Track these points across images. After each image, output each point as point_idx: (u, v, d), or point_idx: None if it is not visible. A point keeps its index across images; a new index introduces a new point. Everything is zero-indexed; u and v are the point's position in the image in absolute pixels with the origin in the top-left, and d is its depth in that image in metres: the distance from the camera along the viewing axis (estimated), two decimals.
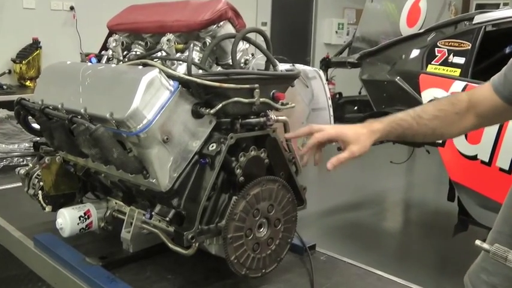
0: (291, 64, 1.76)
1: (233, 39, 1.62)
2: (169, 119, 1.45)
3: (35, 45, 6.42)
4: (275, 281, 1.72)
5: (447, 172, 3.82)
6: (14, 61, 6.36)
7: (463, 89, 3.56)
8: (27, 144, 2.92)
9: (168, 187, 1.50)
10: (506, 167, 3.25)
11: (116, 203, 1.89)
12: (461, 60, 3.80)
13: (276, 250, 1.64)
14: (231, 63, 1.65)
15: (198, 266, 1.77)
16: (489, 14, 3.85)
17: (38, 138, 2.10)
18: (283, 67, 1.71)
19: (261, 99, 1.56)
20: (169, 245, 1.57)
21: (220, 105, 1.49)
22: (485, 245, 1.22)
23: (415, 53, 4.23)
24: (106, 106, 1.47)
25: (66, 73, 1.82)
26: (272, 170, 1.67)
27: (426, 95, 3.87)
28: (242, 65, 1.72)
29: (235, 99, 1.50)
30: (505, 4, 8.69)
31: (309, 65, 1.92)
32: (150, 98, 1.41)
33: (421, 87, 3.95)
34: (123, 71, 1.59)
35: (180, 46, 1.71)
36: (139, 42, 1.85)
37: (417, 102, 3.94)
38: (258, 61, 1.73)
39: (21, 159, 2.87)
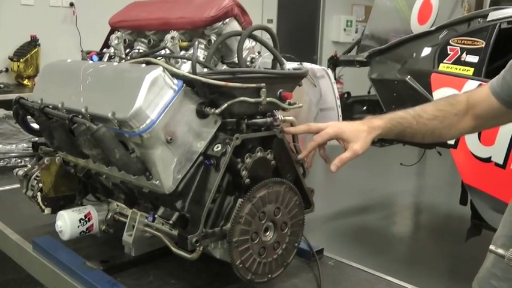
0: (299, 63, 1.77)
1: (239, 37, 1.62)
2: (173, 118, 1.45)
3: (33, 42, 6.45)
4: (281, 286, 1.72)
5: (459, 174, 3.82)
6: (11, 59, 6.39)
7: None
8: (25, 145, 2.94)
9: (171, 189, 1.50)
10: None
11: (117, 205, 1.90)
12: (474, 58, 3.79)
13: (282, 254, 1.64)
14: (236, 62, 1.65)
15: (202, 271, 1.77)
16: (504, 10, 3.83)
17: (37, 139, 2.11)
18: (290, 66, 1.72)
19: (268, 99, 1.56)
20: (173, 248, 1.58)
21: (226, 104, 1.49)
22: (500, 250, 1.23)
23: (426, 51, 4.22)
24: (108, 105, 1.48)
25: (66, 71, 1.83)
26: (279, 171, 1.67)
27: (438, 94, 3.87)
28: (248, 63, 1.72)
29: (241, 98, 1.51)
30: None
31: (317, 64, 1.92)
32: (154, 97, 1.42)
33: (432, 86, 3.94)
34: (126, 69, 1.60)
35: (185, 44, 1.72)
36: (142, 39, 1.85)
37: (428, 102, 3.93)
38: (265, 59, 1.73)
39: (20, 160, 2.88)
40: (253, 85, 1.53)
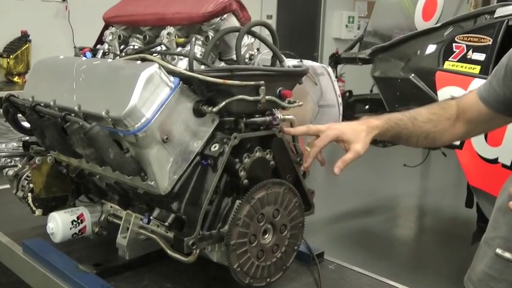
0: (299, 60, 1.77)
1: (237, 33, 1.63)
2: (169, 117, 1.46)
3: (24, 38, 6.45)
4: None
5: (465, 176, 3.82)
6: (1, 55, 6.39)
7: None
8: (15, 144, 2.94)
9: (167, 190, 1.51)
10: None
11: (111, 206, 1.90)
12: (481, 56, 3.80)
13: (281, 258, 1.65)
14: (235, 59, 1.66)
15: (199, 274, 1.78)
16: None
17: (28, 137, 2.11)
18: (290, 63, 1.72)
19: (267, 97, 1.57)
20: (169, 251, 1.58)
21: (224, 103, 1.49)
22: (507, 254, 1.24)
23: (431, 48, 4.23)
24: (102, 103, 1.48)
25: (59, 68, 1.83)
26: (278, 172, 1.68)
27: (443, 93, 3.87)
28: (247, 60, 1.72)
29: (240, 96, 1.52)
30: None
31: (317, 61, 1.93)
32: (149, 95, 1.42)
33: (437, 85, 3.95)
34: (120, 66, 1.60)
35: (181, 40, 1.72)
36: (138, 35, 1.86)
37: (433, 101, 3.92)
38: (264, 56, 1.74)
39: (10, 160, 2.89)
40: (252, 83, 1.54)
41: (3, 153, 2.90)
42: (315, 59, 10.16)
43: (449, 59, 3.99)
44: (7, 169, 2.07)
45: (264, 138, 1.64)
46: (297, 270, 1.84)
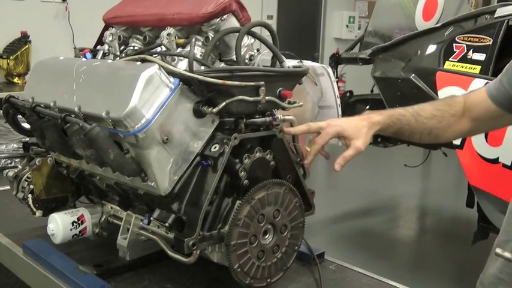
0: (299, 60, 1.78)
1: (237, 34, 1.63)
2: (169, 118, 1.46)
3: (24, 39, 6.44)
4: None
5: (466, 176, 3.82)
6: (0, 56, 6.38)
7: None
8: (15, 145, 2.94)
9: (167, 190, 1.51)
10: None
11: (111, 207, 1.91)
12: (481, 56, 3.80)
13: (282, 258, 1.65)
14: (235, 59, 1.66)
15: (199, 275, 1.78)
16: None
17: (28, 139, 2.11)
18: (290, 63, 1.73)
19: (267, 98, 1.57)
20: (169, 252, 1.58)
21: (224, 103, 1.50)
22: (507, 254, 1.24)
23: (431, 48, 4.22)
24: (102, 104, 1.49)
25: (59, 69, 1.84)
26: (278, 172, 1.68)
27: (443, 93, 3.87)
28: (247, 61, 1.73)
29: (240, 97, 1.52)
30: None
31: (318, 61, 1.94)
32: (149, 95, 1.42)
33: (437, 85, 3.95)
34: (120, 67, 1.60)
35: (181, 41, 1.73)
36: (138, 36, 1.86)
37: None
38: (264, 57, 1.75)
39: (10, 161, 2.89)
40: (252, 83, 1.54)
41: (3, 155, 2.91)
42: (315, 59, 10.15)
43: (450, 59, 3.99)
44: (7, 170, 2.07)
45: (264, 138, 1.64)
46: (297, 271, 1.85)
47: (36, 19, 6.65)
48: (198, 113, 1.52)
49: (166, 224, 1.52)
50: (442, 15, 4.90)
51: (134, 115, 1.41)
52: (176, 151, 1.50)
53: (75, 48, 1.96)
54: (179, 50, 1.72)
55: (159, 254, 1.70)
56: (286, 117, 1.69)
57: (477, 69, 3.77)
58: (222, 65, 1.73)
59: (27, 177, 1.99)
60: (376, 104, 5.12)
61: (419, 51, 4.33)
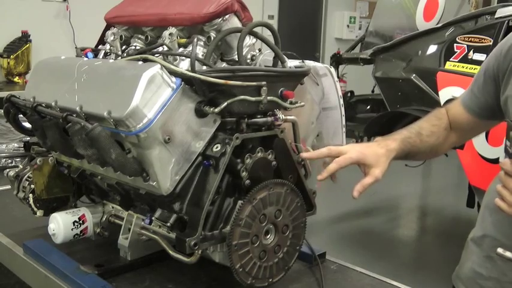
0: (301, 60, 1.77)
1: (239, 34, 1.63)
2: (171, 118, 1.46)
3: (24, 38, 6.45)
4: None
5: (466, 176, 3.83)
6: (1, 55, 6.39)
7: None
8: (16, 145, 2.94)
9: (169, 190, 1.51)
10: None
11: (112, 207, 1.90)
12: (482, 57, 3.80)
13: (283, 258, 1.65)
14: (236, 59, 1.66)
15: (201, 275, 1.78)
16: None
17: (29, 138, 2.12)
18: (292, 63, 1.73)
19: (269, 98, 1.57)
20: (170, 252, 1.58)
21: (225, 103, 1.50)
22: (508, 254, 1.25)
23: (432, 49, 4.24)
24: (103, 104, 1.49)
25: (60, 68, 1.84)
26: (280, 172, 1.68)
27: (444, 93, 3.88)
28: (249, 61, 1.73)
29: (241, 97, 1.52)
30: None
31: (319, 61, 1.93)
32: (151, 95, 1.42)
33: (438, 85, 3.96)
34: (122, 66, 1.60)
35: (183, 40, 1.73)
36: (139, 36, 1.86)
37: (434, 102, 3.95)
38: (266, 57, 1.74)
39: (10, 161, 2.89)
40: (254, 83, 1.54)
41: (4, 154, 2.91)
42: (316, 59, 10.14)
43: (451, 60, 4.00)
44: (8, 170, 2.07)
45: (265, 138, 1.64)
46: (299, 271, 1.84)
47: (37, 18, 6.65)
48: (200, 113, 1.51)
49: (168, 224, 1.52)
50: (443, 15, 4.91)
51: (136, 115, 1.41)
52: (178, 151, 1.50)
53: (76, 47, 1.96)
54: (181, 49, 1.71)
55: (161, 254, 1.70)
56: (288, 117, 1.69)
57: (478, 69, 3.75)
58: (224, 65, 1.73)
59: (28, 177, 1.99)
60: (377, 104, 5.13)
61: (420, 52, 4.34)
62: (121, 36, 1.88)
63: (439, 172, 7.52)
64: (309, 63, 1.81)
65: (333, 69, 1.88)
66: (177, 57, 1.66)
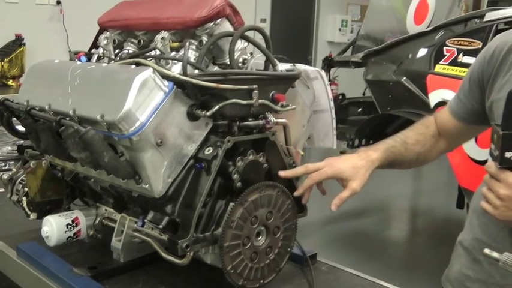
0: (292, 64, 1.78)
1: (231, 38, 1.64)
2: (163, 121, 1.46)
3: (18, 41, 6.44)
4: None
5: (456, 178, 3.84)
6: None
7: None
8: (10, 148, 2.93)
9: (161, 193, 1.51)
10: None
11: (105, 210, 1.90)
12: (471, 60, 3.82)
13: (275, 259, 1.66)
14: (228, 63, 1.67)
15: (193, 277, 1.78)
16: (501, 11, 3.88)
17: (23, 141, 2.11)
18: (283, 67, 1.73)
19: (260, 101, 1.57)
20: (163, 254, 1.58)
21: (217, 106, 1.50)
22: (495, 254, 1.26)
23: (422, 52, 4.25)
24: (97, 107, 1.49)
25: (53, 72, 1.84)
26: (271, 175, 1.68)
27: (434, 96, 3.90)
28: (240, 64, 1.74)
29: (233, 100, 1.52)
30: None
31: (311, 64, 1.95)
32: (144, 99, 1.43)
33: (428, 88, 3.97)
34: (115, 70, 1.60)
35: (175, 44, 1.73)
36: (132, 40, 1.87)
37: (424, 104, 3.97)
38: (257, 61, 1.75)
39: (4, 164, 2.87)
40: (245, 87, 1.54)
41: None
42: (308, 62, 10.20)
43: (440, 63, 4.02)
44: (1, 173, 2.07)
45: (257, 141, 1.65)
46: (290, 272, 1.85)
47: (30, 21, 6.65)
48: (192, 116, 1.52)
49: (160, 226, 1.52)
50: (433, 19, 4.93)
51: (129, 118, 1.41)
52: (170, 154, 1.50)
53: (70, 51, 1.96)
54: (173, 53, 1.72)
55: (153, 256, 1.70)
56: (279, 120, 1.70)
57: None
58: (216, 68, 1.73)
59: (22, 180, 1.98)
60: (368, 107, 5.14)
61: (410, 55, 4.36)
62: (114, 40, 1.89)
63: (429, 174, 7.53)
64: (300, 66, 1.82)
65: (323, 73, 1.89)
66: (170, 61, 1.67)
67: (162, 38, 1.69)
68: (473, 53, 3.83)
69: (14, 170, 2.06)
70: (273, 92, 1.63)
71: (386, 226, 5.96)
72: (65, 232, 1.84)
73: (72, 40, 6.70)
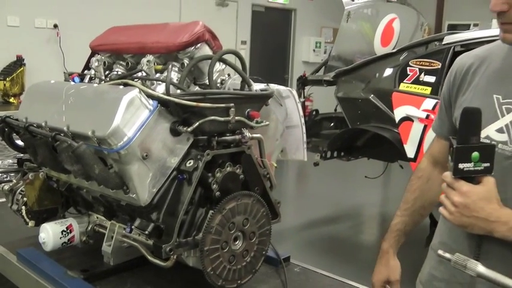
0: (266, 84, 1.81)
1: (210, 61, 1.66)
2: (148, 136, 1.48)
3: (19, 62, 6.42)
4: None
5: None
6: None
7: (434, 107, 3.62)
8: (11, 161, 2.93)
9: (147, 202, 1.53)
10: None
11: (97, 217, 1.91)
12: (431, 78, 3.88)
13: (251, 262, 1.67)
14: (208, 83, 1.69)
15: (177, 278, 1.80)
16: (458, 35, 3.94)
17: (22, 155, 2.11)
18: (258, 87, 1.76)
19: (237, 118, 1.60)
20: (149, 257, 1.60)
21: (197, 123, 1.52)
22: (447, 255, 1.28)
23: (388, 71, 4.30)
24: (88, 124, 1.51)
25: (50, 92, 1.85)
26: (247, 185, 1.70)
27: (398, 112, 3.94)
28: (219, 85, 1.76)
29: (212, 117, 1.55)
30: (475, 25, 8.84)
31: (288, 83, 1.97)
32: (131, 116, 1.45)
33: (393, 104, 4.01)
34: (105, 90, 1.62)
35: (159, 67, 1.75)
36: (121, 62, 1.89)
37: (390, 119, 4.00)
38: (234, 81, 1.78)
39: (5, 176, 2.87)
40: (223, 105, 1.57)
41: (0, 169, 2.89)
42: (285, 81, 10.23)
43: (404, 81, 4.06)
44: (3, 184, 2.07)
45: (234, 154, 1.67)
46: (265, 273, 1.87)
47: (30, 43, 6.63)
48: (175, 132, 1.54)
49: (146, 232, 1.53)
50: (398, 41, 4.98)
51: (117, 134, 1.43)
52: (155, 166, 1.52)
53: (64, 72, 1.97)
54: (158, 75, 1.74)
55: (140, 259, 1.71)
56: (254, 135, 1.72)
57: (428, 90, 3.85)
58: (196, 88, 1.75)
59: (21, 191, 1.99)
60: (339, 122, 5.16)
61: (377, 74, 4.40)
62: (104, 63, 1.90)
63: (396, 182, 7.54)
64: (273, 86, 1.84)
65: (294, 92, 1.92)
66: (154, 81, 1.68)
67: (148, 61, 1.71)
68: (433, 72, 3.88)
69: (14, 181, 2.06)
70: (248, 109, 1.65)
71: (357, 231, 5.97)
72: (60, 238, 1.84)
73: (68, 60, 6.69)
